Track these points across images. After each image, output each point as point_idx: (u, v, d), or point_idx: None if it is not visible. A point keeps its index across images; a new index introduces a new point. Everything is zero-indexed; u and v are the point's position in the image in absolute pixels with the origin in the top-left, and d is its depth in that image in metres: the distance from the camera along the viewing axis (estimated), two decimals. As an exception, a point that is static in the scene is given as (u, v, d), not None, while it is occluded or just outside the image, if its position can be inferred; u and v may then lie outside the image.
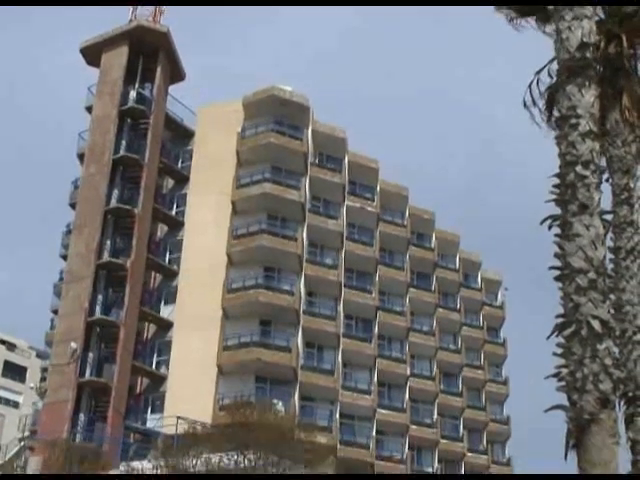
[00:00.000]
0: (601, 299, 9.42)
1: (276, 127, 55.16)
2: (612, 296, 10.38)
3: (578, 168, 9.91)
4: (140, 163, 52.56)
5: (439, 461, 59.51)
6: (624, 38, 13.15)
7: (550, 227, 10.10)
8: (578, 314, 9.36)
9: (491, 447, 66.16)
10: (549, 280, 9.92)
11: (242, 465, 34.47)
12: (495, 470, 64.89)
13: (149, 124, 53.67)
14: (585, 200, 9.79)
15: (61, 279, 55.70)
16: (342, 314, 55.19)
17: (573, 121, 10.19)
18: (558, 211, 10.06)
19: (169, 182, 57.92)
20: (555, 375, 9.48)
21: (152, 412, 51.50)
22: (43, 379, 60.94)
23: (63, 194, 58.24)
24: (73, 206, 54.64)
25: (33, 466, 39.84)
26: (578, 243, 9.62)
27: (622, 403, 12.35)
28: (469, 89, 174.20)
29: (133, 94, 53.86)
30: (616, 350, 9.70)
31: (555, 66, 11.26)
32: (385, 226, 60.60)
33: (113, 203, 51.58)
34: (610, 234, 12.46)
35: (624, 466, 10.74)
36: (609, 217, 11.45)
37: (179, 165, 57.98)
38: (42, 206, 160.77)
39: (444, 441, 60.34)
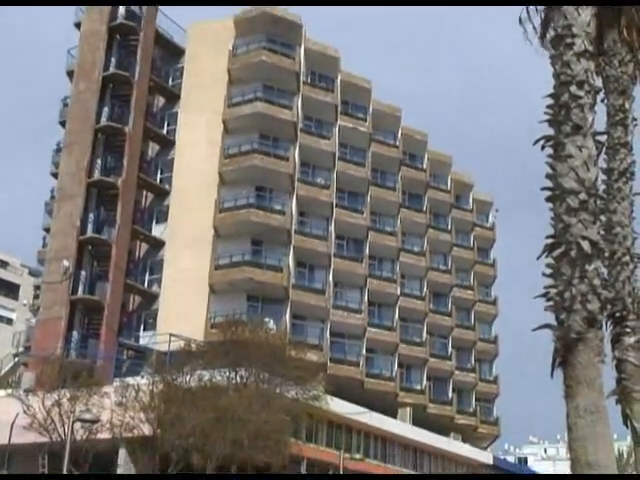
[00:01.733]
0: (591, 220, 9.44)
1: (268, 45, 54.38)
2: (603, 217, 10.42)
3: (572, 88, 9.81)
4: (130, 80, 51.90)
5: (428, 379, 60.53)
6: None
7: (543, 148, 10.05)
8: (568, 235, 9.39)
9: (479, 365, 67.27)
10: (540, 202, 9.93)
11: (234, 381, 35.04)
12: (482, 387, 66.10)
13: (139, 41, 52.82)
14: (579, 121, 9.72)
15: (52, 197, 55.55)
16: (333, 234, 55.40)
17: (568, 40, 10.04)
18: (552, 132, 10.00)
19: (160, 100, 57.27)
20: (544, 295, 9.57)
21: (145, 329, 52.07)
22: (36, 296, 61.33)
23: (54, 112, 57.74)
24: (63, 124, 54.14)
25: (27, 382, 40.35)
26: (570, 164, 9.60)
27: (609, 323, 12.53)
28: (465, 11, 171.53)
29: (122, 10, 52.83)
30: (605, 271, 9.79)
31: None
32: (377, 146, 60.31)
33: (103, 121, 51.12)
34: (603, 155, 12.43)
35: (608, 384, 10.94)
36: (603, 138, 11.41)
37: (170, 83, 57.25)
38: (34, 123, 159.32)
39: (433, 359, 61.29)
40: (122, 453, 34.95)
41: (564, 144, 9.71)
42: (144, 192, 54.76)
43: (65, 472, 22.07)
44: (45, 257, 52.16)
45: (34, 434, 29.74)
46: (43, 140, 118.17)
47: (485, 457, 62.39)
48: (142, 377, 35.92)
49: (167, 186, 54.66)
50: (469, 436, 63.32)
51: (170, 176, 54.77)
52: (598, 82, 11.10)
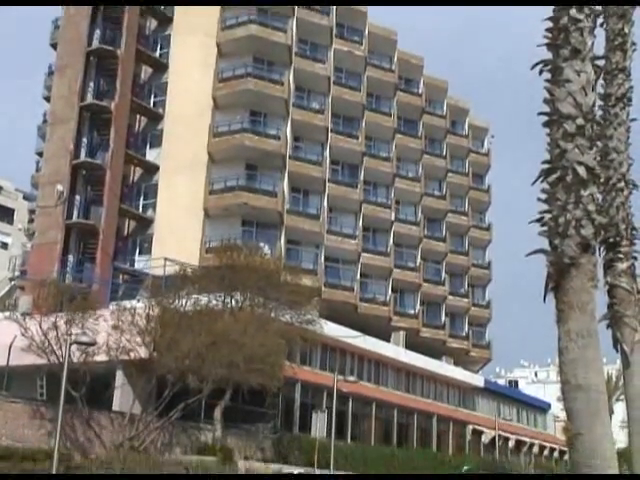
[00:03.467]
0: (588, 145, 9.41)
1: (262, -35, 53.28)
2: (599, 143, 10.39)
3: (572, 11, 9.66)
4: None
5: (421, 303, 61.09)
6: None
7: (541, 72, 9.96)
8: (564, 160, 9.37)
9: (472, 290, 67.86)
10: (537, 128, 9.89)
11: (229, 305, 35.34)
12: (474, 311, 66.79)
13: (130, -40, 51.67)
14: (577, 45, 9.61)
15: (45, 121, 55.08)
16: (328, 159, 55.18)
17: (569, -39, 9.85)
18: (550, 56, 9.90)
19: (152, 23, 56.29)
20: (538, 220, 9.61)
21: (140, 254, 52.26)
22: (31, 221, 61.32)
23: (46, 34, 56.87)
24: (55, 47, 53.34)
25: (24, 305, 40.67)
26: (568, 89, 9.52)
27: (602, 249, 12.63)
28: None
29: None
30: (599, 197, 9.80)
31: None
32: (373, 71, 59.62)
33: (95, 44, 50.37)
34: (601, 81, 12.34)
35: (600, 309, 11.07)
36: (601, 63, 11.30)
37: (162, 5, 56.18)
38: (25, 46, 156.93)
39: (426, 284, 61.75)
40: (119, 375, 35.44)
41: (562, 68, 9.62)
42: (137, 116, 54.30)
43: (63, 393, 22.40)
44: (39, 181, 52.00)
45: (32, 356, 29.99)
46: (36, 63, 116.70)
47: (476, 380, 63.47)
48: (138, 301, 36.18)
49: (161, 110, 54.18)
50: (461, 360, 64.27)
51: (163, 100, 54.26)
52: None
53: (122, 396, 35.08)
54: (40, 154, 54.80)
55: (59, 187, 47.58)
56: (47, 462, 22.76)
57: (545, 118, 9.81)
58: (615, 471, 8.53)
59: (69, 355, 23.44)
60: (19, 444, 27.01)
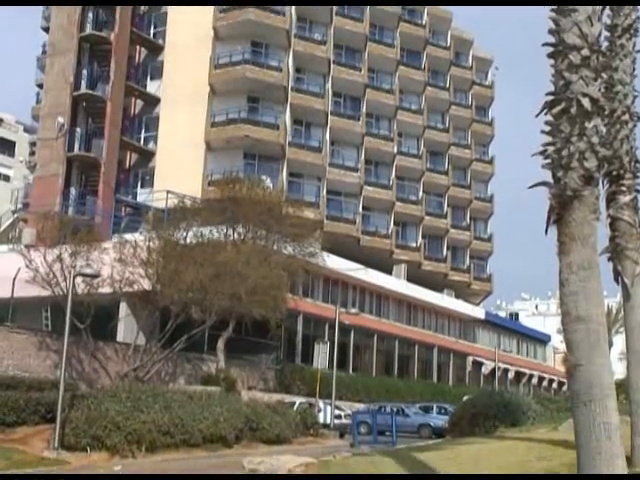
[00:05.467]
0: (593, 77, 9.31)
1: None
2: (604, 75, 10.28)
3: (580, -62, 9.47)
4: None
5: (423, 236, 61.22)
6: None
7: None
8: (569, 92, 9.29)
9: (474, 223, 67.93)
10: (541, 59, 9.78)
11: (232, 238, 35.46)
12: (476, 245, 66.95)
13: None
14: (584, -28, 9.44)
15: (44, 52, 54.44)
16: (330, 91, 54.75)
17: None
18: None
19: (152, -50, 55.29)
20: (542, 153, 9.56)
21: (142, 187, 52.27)
22: (32, 153, 61.05)
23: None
24: (52, -25, 52.46)
25: (27, 237, 40.78)
26: (574, 18, 9.38)
27: (605, 181, 12.62)
28: None
29: None
30: (604, 129, 9.72)
31: None
32: (376, 0, 58.72)
33: (94, -28, 49.56)
34: (607, 11, 12.16)
35: (602, 242, 11.11)
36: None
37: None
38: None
39: (428, 217, 61.80)
40: (123, 307, 35.81)
41: (568, -3, 9.46)
42: (137, 47, 53.73)
43: (68, 325, 22.61)
44: (39, 114, 51.66)
45: (37, 288, 30.16)
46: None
47: (477, 312, 64.05)
48: (140, 233, 36.28)
49: (161, 41, 53.57)
50: (462, 292, 64.71)
51: (163, 31, 53.63)
52: None
53: (126, 328, 35.51)
54: (40, 86, 54.28)
55: (60, 119, 47.32)
56: (53, 391, 23.08)
57: (550, 49, 9.66)
58: (613, 401, 8.64)
59: (73, 287, 23.59)
60: (25, 374, 27.37)
